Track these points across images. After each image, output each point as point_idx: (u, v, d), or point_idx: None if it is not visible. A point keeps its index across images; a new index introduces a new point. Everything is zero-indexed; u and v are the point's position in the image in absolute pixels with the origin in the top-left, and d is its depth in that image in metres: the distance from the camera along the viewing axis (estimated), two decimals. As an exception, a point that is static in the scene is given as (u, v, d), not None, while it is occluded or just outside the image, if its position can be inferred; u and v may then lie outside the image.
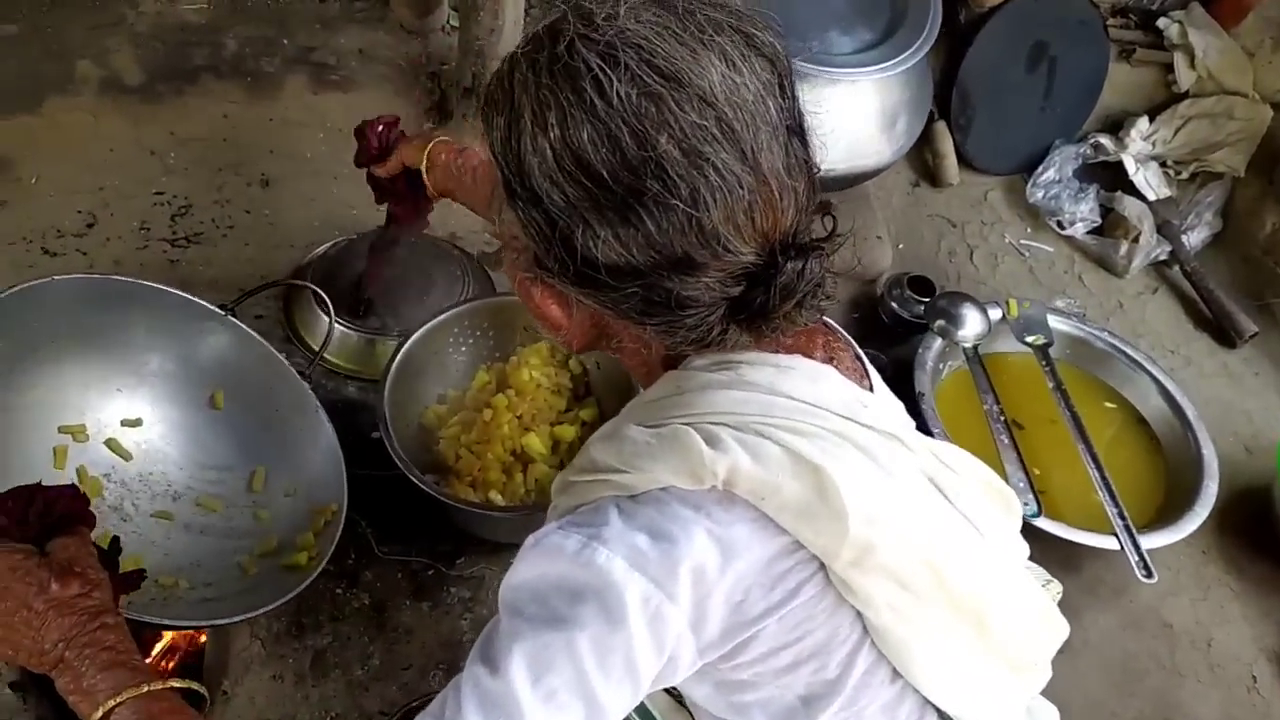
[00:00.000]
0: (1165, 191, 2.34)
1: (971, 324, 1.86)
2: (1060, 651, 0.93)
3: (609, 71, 0.67)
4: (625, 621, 0.71)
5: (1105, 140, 2.37)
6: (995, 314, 1.92)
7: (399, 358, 1.52)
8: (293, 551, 1.34)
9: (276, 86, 2.10)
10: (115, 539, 1.00)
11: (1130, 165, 2.32)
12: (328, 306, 1.52)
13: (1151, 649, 1.69)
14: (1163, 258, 2.27)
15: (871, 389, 0.87)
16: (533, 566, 0.75)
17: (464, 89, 1.99)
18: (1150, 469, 1.83)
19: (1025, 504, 1.65)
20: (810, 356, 0.82)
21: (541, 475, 1.54)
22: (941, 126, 2.29)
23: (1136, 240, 2.24)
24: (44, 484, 0.92)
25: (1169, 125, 2.37)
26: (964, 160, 2.36)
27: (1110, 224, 2.31)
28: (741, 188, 0.69)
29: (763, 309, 0.73)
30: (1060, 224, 2.32)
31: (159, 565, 1.33)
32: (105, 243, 1.89)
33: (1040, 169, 2.34)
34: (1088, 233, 2.31)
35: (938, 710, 0.88)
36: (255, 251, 1.94)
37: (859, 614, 0.80)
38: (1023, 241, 2.32)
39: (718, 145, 0.68)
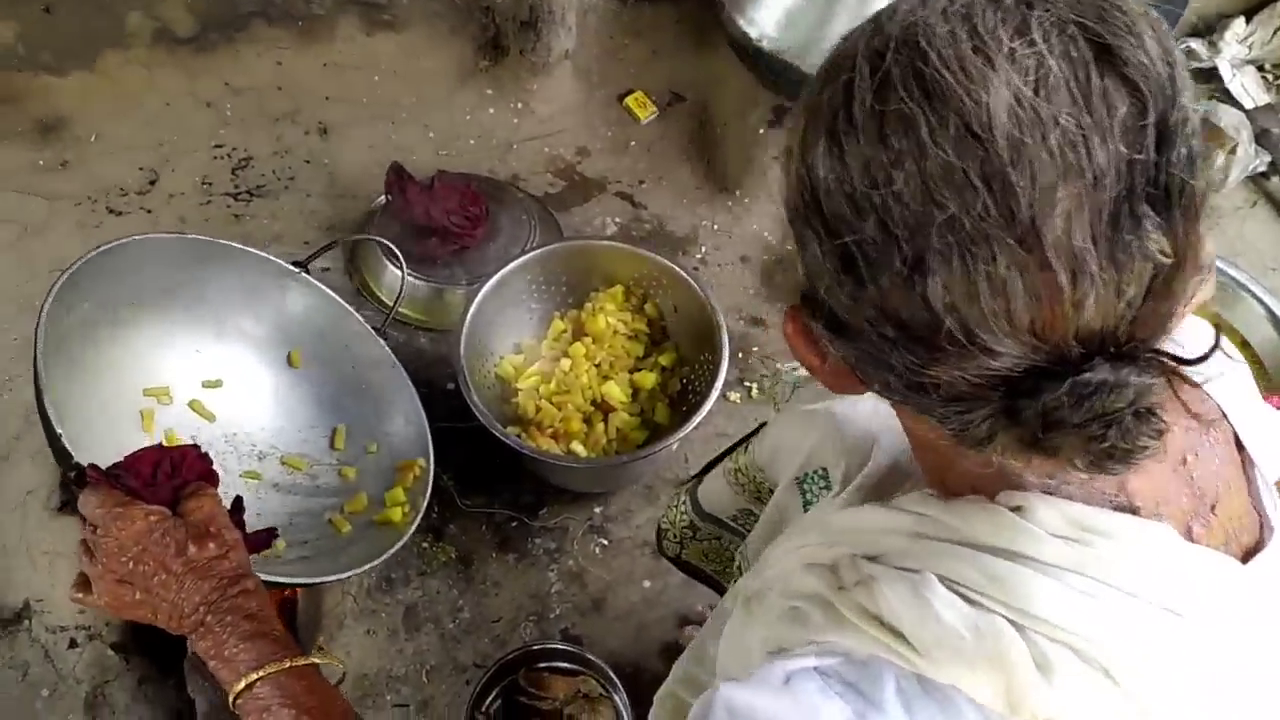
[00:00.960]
0: (1264, 98, 2.19)
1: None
2: None
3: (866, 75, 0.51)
4: None
5: (1197, 44, 2.22)
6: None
7: (472, 309, 1.49)
8: (383, 508, 1.32)
9: (328, 29, 2.04)
10: (238, 498, 0.98)
11: (1226, 71, 2.18)
12: (399, 260, 1.49)
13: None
14: (1262, 169, 2.14)
15: (1260, 547, 0.64)
16: (777, 705, 0.62)
17: (520, 23, 1.92)
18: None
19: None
20: (1185, 521, 0.61)
21: (622, 424, 1.50)
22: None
23: (1234, 152, 2.11)
24: (166, 444, 0.90)
25: (1268, 25, 2.21)
26: (1045, 73, 2.23)
27: (1206, 136, 2.18)
28: (995, 260, 0.50)
29: (1049, 429, 0.52)
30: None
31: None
32: (169, 200, 1.88)
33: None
34: (1180, 145, 2.18)
35: None
36: (318, 203, 1.91)
37: None
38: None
39: (970, 195, 0.49)
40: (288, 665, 0.78)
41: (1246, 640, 0.60)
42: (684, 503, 1.23)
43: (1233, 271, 1.83)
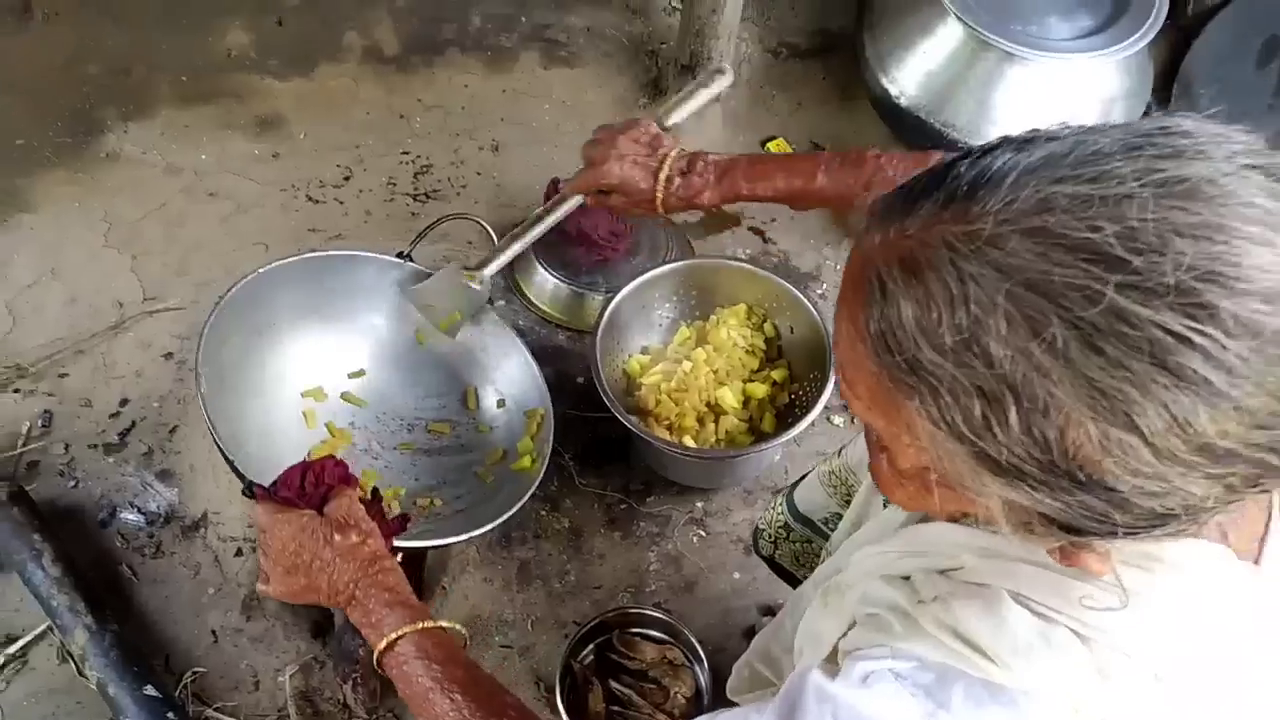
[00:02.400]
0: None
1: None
2: None
3: (1207, 330, 0.49)
4: None
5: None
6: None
7: (609, 309, 1.66)
8: (517, 456, 1.50)
9: (512, 60, 2.30)
10: (375, 489, 1.18)
11: (1367, 169, 2.19)
12: (489, 232, 1.64)
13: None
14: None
15: (1263, 547, 0.71)
16: (857, 699, 0.70)
17: (681, 66, 2.12)
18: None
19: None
20: (1221, 533, 0.67)
21: (731, 427, 1.65)
22: (1158, 120, 2.24)
23: (1367, 248, 2.12)
24: (309, 459, 1.09)
25: None
26: (1180, 156, 2.29)
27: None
28: None
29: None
30: (1281, 227, 2.23)
31: (415, 490, 1.52)
32: (358, 194, 2.14)
33: (1264, 169, 2.25)
34: (1312, 238, 2.20)
35: None
36: (483, 210, 2.14)
37: None
38: (1237, 243, 2.24)
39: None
40: (420, 627, 0.96)
41: (1266, 643, 0.69)
42: (781, 505, 1.36)
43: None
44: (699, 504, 1.72)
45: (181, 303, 1.93)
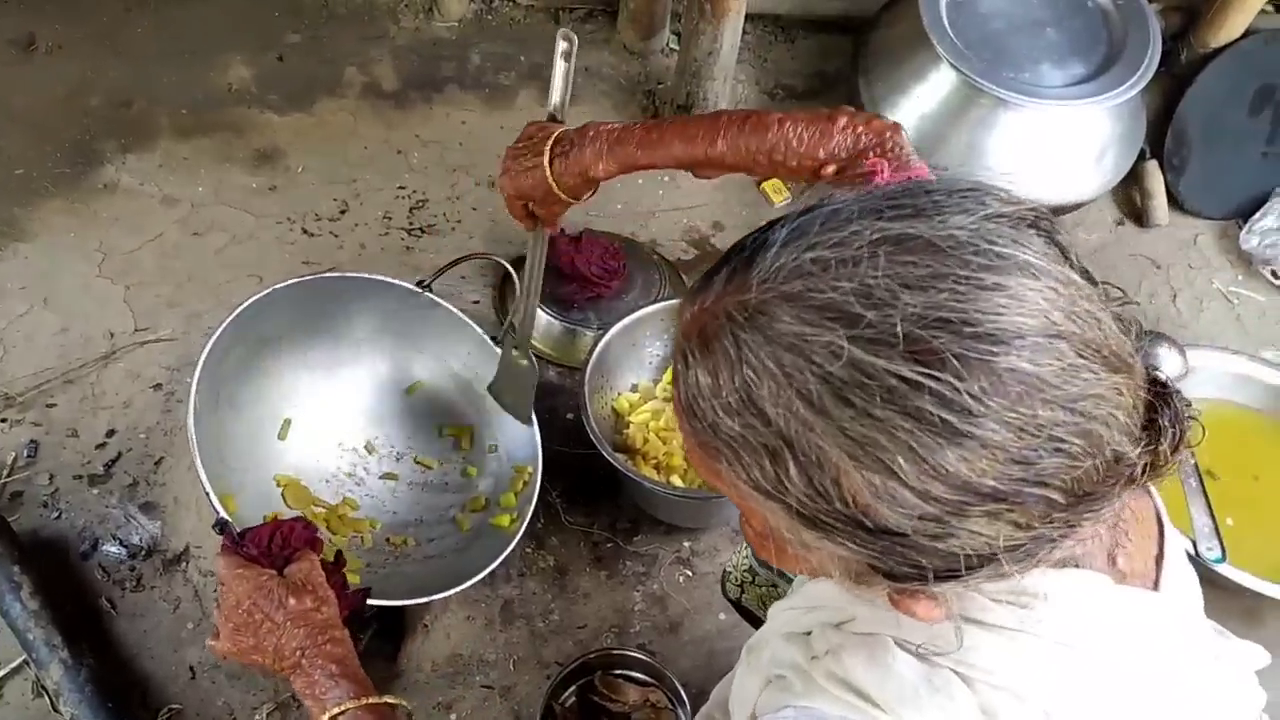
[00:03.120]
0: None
1: (1168, 364, 1.84)
2: None
3: (938, 375, 0.52)
4: None
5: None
6: (1196, 357, 1.88)
7: (599, 346, 1.66)
8: (498, 510, 1.49)
9: (510, 98, 2.31)
10: (339, 552, 1.17)
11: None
12: (512, 274, 1.66)
13: (1339, 717, 1.61)
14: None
15: (1160, 569, 0.73)
16: None
17: (677, 106, 2.14)
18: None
19: (1209, 549, 1.62)
20: (1109, 552, 0.69)
21: (720, 467, 1.64)
22: (1153, 166, 2.25)
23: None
24: (279, 519, 1.09)
25: None
26: (1175, 202, 2.30)
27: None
28: (1126, 395, 0.57)
29: (1151, 476, 0.61)
30: (1275, 274, 2.23)
31: (391, 525, 1.52)
32: (354, 228, 2.15)
33: (1258, 215, 2.26)
34: (1306, 284, 2.20)
35: None
36: (478, 244, 2.14)
37: None
38: (1231, 289, 2.24)
39: (1092, 374, 0.55)
40: (363, 703, 0.93)
41: (1167, 666, 0.69)
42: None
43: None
44: (686, 544, 1.70)
45: (173, 334, 1.92)
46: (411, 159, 2.26)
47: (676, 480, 1.61)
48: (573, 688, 1.48)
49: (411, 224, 2.17)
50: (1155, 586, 0.72)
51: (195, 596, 1.56)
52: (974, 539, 0.56)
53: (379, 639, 1.55)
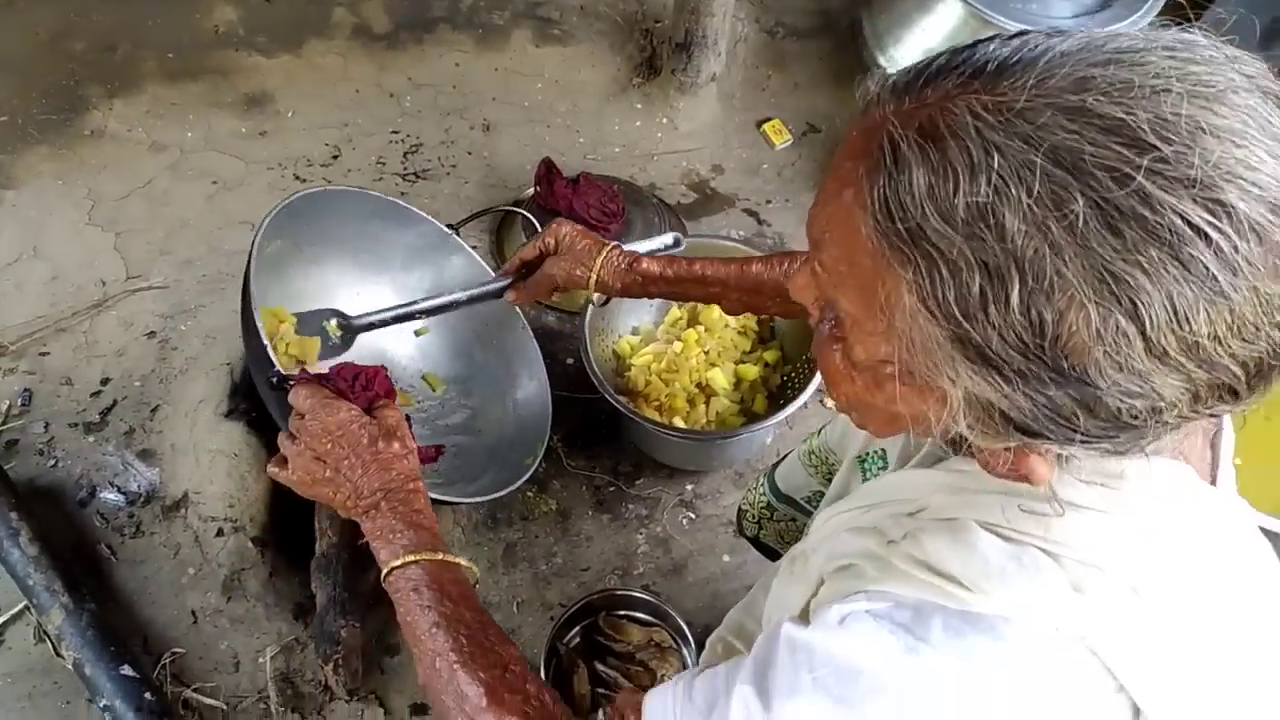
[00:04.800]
0: None
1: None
2: None
3: (1224, 227, 0.50)
4: None
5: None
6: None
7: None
8: (509, 452, 1.47)
9: (503, 38, 2.26)
10: (407, 417, 1.14)
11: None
12: (535, 229, 1.65)
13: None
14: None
15: (1216, 468, 0.74)
16: (835, 642, 0.70)
17: (676, 44, 2.09)
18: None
19: (1213, 485, 1.61)
20: (1179, 452, 0.69)
21: (722, 409, 1.62)
22: (1158, 104, 2.22)
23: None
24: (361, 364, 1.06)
25: None
26: (1180, 140, 2.27)
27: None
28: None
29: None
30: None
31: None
32: (346, 173, 2.11)
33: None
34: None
35: None
36: (473, 189, 2.11)
37: None
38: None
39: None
40: (440, 557, 0.90)
41: (1232, 556, 0.69)
42: (763, 485, 1.34)
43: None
44: (689, 486, 1.69)
45: (165, 281, 1.90)
46: (404, 102, 2.21)
47: (679, 422, 1.59)
48: (577, 628, 1.48)
49: (406, 169, 2.14)
50: (1213, 483, 0.72)
51: (196, 542, 1.55)
52: (1153, 405, 0.54)
53: (381, 584, 1.54)
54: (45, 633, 1.43)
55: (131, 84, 2.16)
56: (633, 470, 1.70)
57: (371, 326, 1.37)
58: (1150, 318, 0.51)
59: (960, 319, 0.55)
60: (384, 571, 0.92)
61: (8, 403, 1.70)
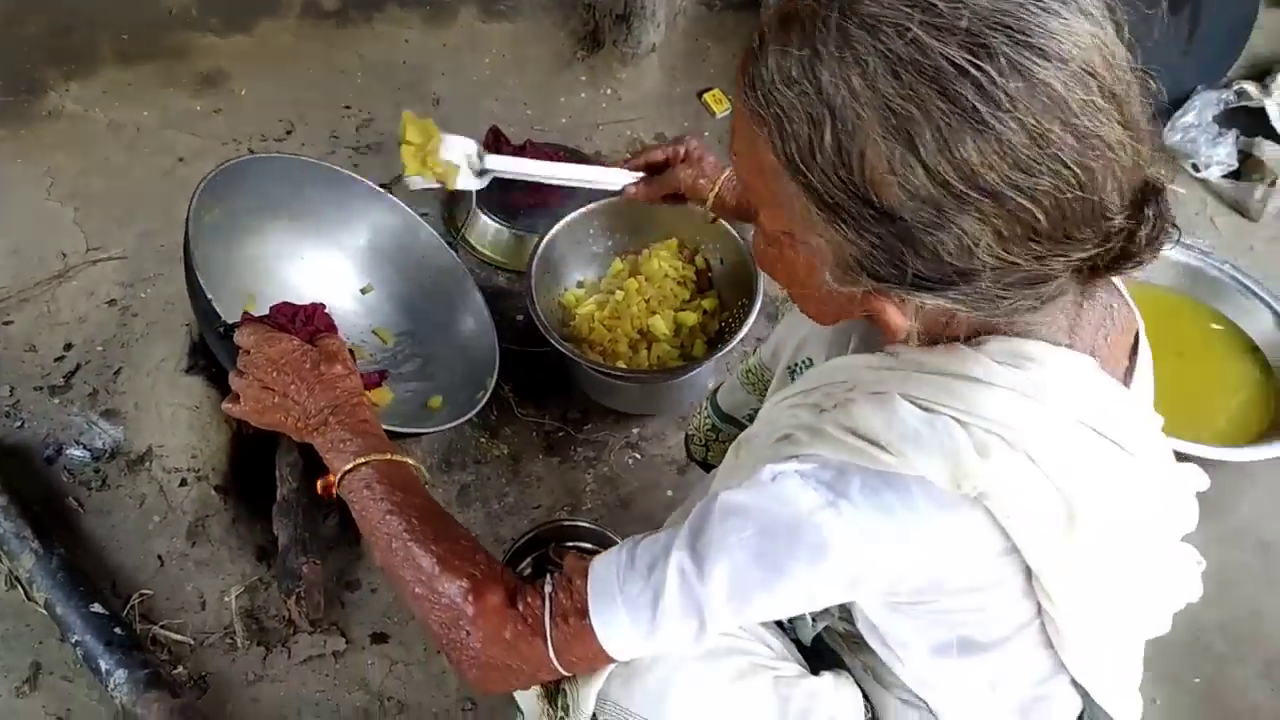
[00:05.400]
0: (1310, 138, 2.31)
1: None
2: None
3: (984, 66, 0.60)
4: (828, 580, 0.77)
5: (1250, 87, 2.35)
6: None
7: (544, 243, 1.71)
8: (460, 392, 1.54)
9: (451, 15, 2.34)
10: (350, 350, 1.22)
11: (1273, 111, 2.30)
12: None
13: (1244, 562, 1.73)
14: (1302, 203, 2.25)
15: (1130, 375, 0.84)
16: (764, 499, 0.78)
17: (616, 16, 2.18)
18: (1259, 391, 1.85)
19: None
20: (1095, 351, 0.79)
21: (663, 353, 1.71)
22: (1076, 67, 2.33)
23: (1273, 184, 2.23)
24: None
25: (1320, 72, 2.33)
26: (1099, 102, 2.39)
27: (1248, 168, 2.30)
28: (1125, 154, 0.65)
29: (1120, 263, 0.70)
30: (1195, 167, 2.32)
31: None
32: (300, 147, 2.17)
33: (1179, 113, 2.35)
34: (1223, 176, 2.30)
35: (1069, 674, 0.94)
36: (425, 160, 2.18)
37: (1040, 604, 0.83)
38: (1154, 183, 2.33)
39: (1106, 118, 0.63)
40: (388, 457, 0.98)
41: (1124, 439, 0.78)
42: (706, 408, 1.43)
43: (1245, 280, 1.95)
44: (635, 430, 1.78)
45: (124, 252, 1.96)
46: (355, 78, 2.29)
47: (622, 366, 1.68)
48: (528, 559, 1.56)
49: (359, 143, 2.21)
50: (1127, 386, 0.82)
51: (160, 492, 1.61)
52: (960, 240, 0.65)
53: (342, 526, 1.62)
54: (16, 578, 1.49)
55: (87, 66, 2.22)
56: (581, 416, 1.79)
57: (502, 173, 1.50)
58: (924, 146, 0.61)
59: (802, 166, 0.66)
60: (338, 479, 0.99)
61: (-27, 369, 1.76)
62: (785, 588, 0.78)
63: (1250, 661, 1.62)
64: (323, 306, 1.15)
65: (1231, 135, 2.33)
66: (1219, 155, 2.30)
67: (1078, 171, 0.63)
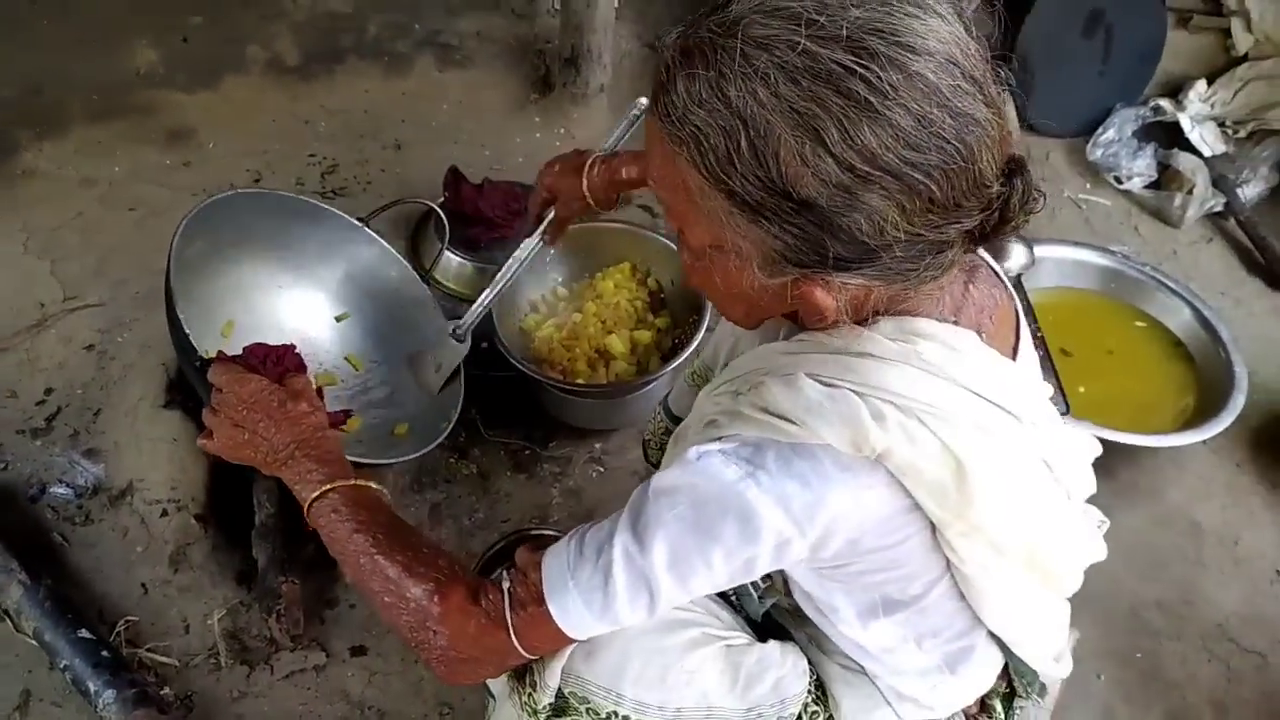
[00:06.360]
0: (1221, 148, 2.46)
1: (1016, 256, 2.05)
2: None
3: (868, 65, 0.70)
4: (757, 544, 0.85)
5: (1165, 103, 2.51)
6: (1039, 250, 2.10)
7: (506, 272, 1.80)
8: (427, 419, 1.62)
9: (408, 65, 2.46)
10: (320, 388, 1.29)
11: (1187, 124, 2.46)
12: (444, 226, 1.82)
13: (1177, 544, 1.84)
14: (1218, 209, 2.40)
15: (1016, 351, 0.93)
16: (691, 477, 0.86)
17: (564, 60, 2.30)
18: (1181, 381, 1.98)
19: (1054, 403, 1.83)
20: (978, 327, 0.88)
21: (621, 371, 1.80)
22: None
23: (1191, 193, 2.37)
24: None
25: (1228, 88, 2.50)
26: (1025, 123, 2.53)
27: (1167, 179, 2.45)
28: (993, 129, 0.75)
29: (1000, 227, 0.79)
30: (1118, 179, 2.47)
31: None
32: (268, 194, 2.27)
33: (1100, 130, 2.50)
34: (1145, 187, 2.45)
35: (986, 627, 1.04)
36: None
37: (947, 558, 0.92)
38: (1080, 196, 2.48)
39: (972, 99, 0.73)
40: (352, 482, 1.05)
41: (1009, 404, 0.88)
42: (660, 413, 1.52)
43: (1166, 280, 2.08)
44: (597, 445, 1.87)
45: (100, 300, 2.03)
46: (319, 127, 2.39)
47: (581, 381, 1.77)
48: (500, 570, 1.63)
49: (324, 188, 2.30)
50: (1014, 359, 0.92)
51: (142, 523, 1.68)
52: (870, 217, 0.74)
53: (319, 549, 1.68)
54: (4, 610, 1.54)
55: (59, 125, 2.30)
56: (545, 435, 1.87)
57: (476, 321, 1.63)
58: (829, 138, 0.72)
59: (723, 176, 0.76)
60: (306, 508, 1.05)
61: (-44, 416, 1.82)
62: (720, 553, 0.86)
63: (1187, 636, 1.72)
64: (293, 347, 1.22)
65: (1150, 149, 2.48)
66: (1139, 168, 2.45)
67: (959, 146, 0.73)
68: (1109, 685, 1.64)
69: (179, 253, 1.47)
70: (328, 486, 1.04)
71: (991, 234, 0.80)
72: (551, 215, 1.51)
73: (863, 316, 0.87)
